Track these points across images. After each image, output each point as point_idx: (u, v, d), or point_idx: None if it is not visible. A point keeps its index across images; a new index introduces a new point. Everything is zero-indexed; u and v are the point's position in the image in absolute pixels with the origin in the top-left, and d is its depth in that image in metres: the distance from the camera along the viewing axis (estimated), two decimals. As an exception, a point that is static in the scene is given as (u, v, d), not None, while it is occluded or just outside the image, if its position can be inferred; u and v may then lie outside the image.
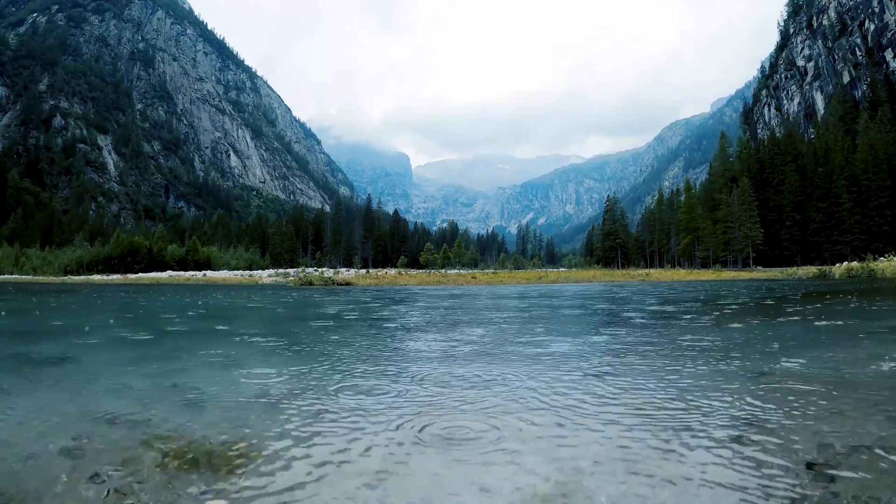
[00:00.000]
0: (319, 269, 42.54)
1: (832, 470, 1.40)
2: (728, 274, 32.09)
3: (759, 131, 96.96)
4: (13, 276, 47.24)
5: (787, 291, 12.55)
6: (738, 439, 1.66)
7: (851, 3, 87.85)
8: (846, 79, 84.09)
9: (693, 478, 1.35)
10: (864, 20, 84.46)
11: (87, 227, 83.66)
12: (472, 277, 27.78)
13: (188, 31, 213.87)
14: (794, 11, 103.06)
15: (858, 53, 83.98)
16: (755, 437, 1.67)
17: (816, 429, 1.76)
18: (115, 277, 38.77)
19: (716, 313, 6.91)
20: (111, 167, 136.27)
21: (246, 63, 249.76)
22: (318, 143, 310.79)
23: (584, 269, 52.48)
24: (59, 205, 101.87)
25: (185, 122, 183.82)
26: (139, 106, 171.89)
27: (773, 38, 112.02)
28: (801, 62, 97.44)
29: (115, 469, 1.46)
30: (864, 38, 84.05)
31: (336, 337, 4.78)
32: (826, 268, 26.97)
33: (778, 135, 65.42)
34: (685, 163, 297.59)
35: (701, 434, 1.72)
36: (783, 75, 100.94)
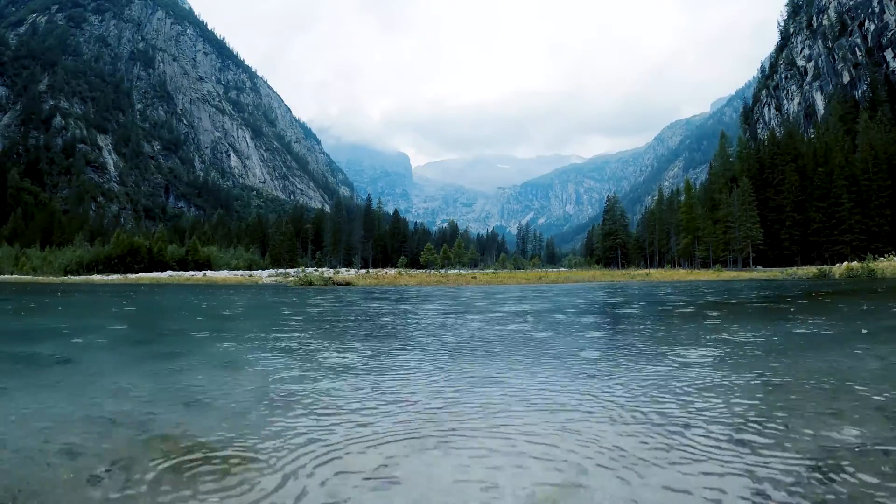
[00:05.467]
0: (319, 270, 42.53)
1: (832, 470, 1.40)
2: (728, 274, 32.08)
3: (759, 131, 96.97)
4: (13, 276, 47.26)
5: (787, 291, 12.55)
6: (737, 439, 1.65)
7: (851, 3, 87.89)
8: (846, 79, 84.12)
9: (693, 478, 1.35)
10: (864, 20, 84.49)
11: (87, 227, 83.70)
12: (472, 277, 27.78)
13: (188, 31, 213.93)
14: (794, 11, 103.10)
15: (858, 53, 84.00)
16: (755, 438, 1.67)
17: (816, 429, 1.76)
18: (115, 277, 38.77)
19: (715, 313, 6.90)
20: (111, 167, 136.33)
21: (246, 63, 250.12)
22: (318, 143, 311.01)
23: (584, 270, 52.50)
24: (59, 205, 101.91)
25: (185, 122, 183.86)
26: (139, 106, 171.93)
27: (773, 38, 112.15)
28: (801, 62, 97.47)
29: (115, 469, 1.45)
30: (864, 38, 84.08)
31: (337, 337, 4.78)
32: (826, 268, 26.96)
33: (778, 135, 65.42)
34: (685, 163, 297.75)
35: (701, 434, 1.72)
36: (783, 75, 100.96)
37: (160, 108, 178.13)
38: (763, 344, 3.90)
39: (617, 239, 75.36)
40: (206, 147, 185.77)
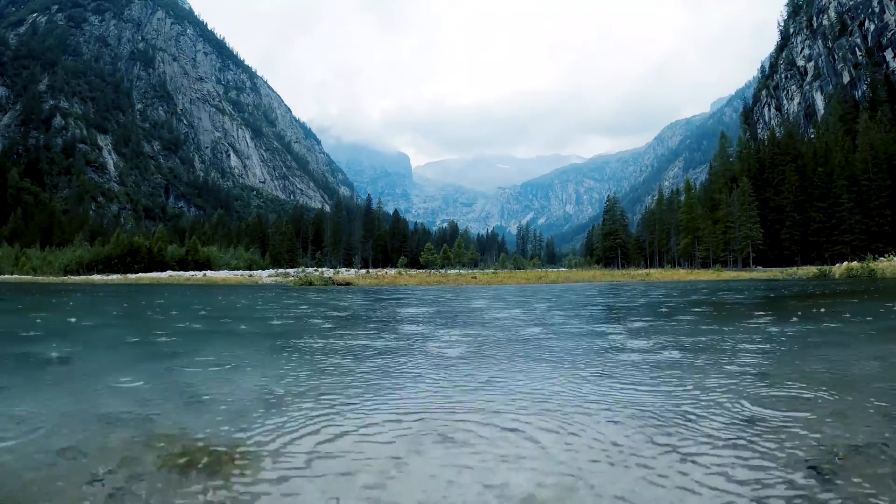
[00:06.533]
0: (319, 269, 42.52)
1: (832, 470, 1.40)
2: (728, 274, 32.08)
3: (759, 131, 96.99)
4: (13, 276, 47.26)
5: (787, 291, 12.55)
6: (737, 439, 1.66)
7: (851, 3, 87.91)
8: (846, 79, 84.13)
9: (693, 478, 1.36)
10: (864, 20, 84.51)
11: (87, 227, 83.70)
12: (472, 277, 27.78)
13: (188, 31, 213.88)
14: (794, 11, 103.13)
15: (858, 53, 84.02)
16: (755, 437, 1.67)
17: (816, 429, 1.76)
18: (115, 277, 38.77)
19: (716, 313, 6.91)
20: (111, 167, 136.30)
21: (246, 63, 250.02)
22: (318, 143, 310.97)
23: (583, 270, 52.48)
24: (59, 205, 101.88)
25: (185, 122, 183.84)
26: (139, 106, 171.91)
27: (773, 38, 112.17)
28: (801, 62, 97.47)
29: (115, 469, 1.45)
30: (864, 38, 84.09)
31: (337, 336, 4.78)
32: (826, 268, 26.96)
33: (778, 135, 65.42)
34: (685, 163, 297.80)
35: (701, 434, 1.72)
36: (783, 75, 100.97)
37: (160, 108, 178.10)
38: (762, 343, 3.90)
39: (617, 239, 75.33)
40: (206, 147, 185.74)
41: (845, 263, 25.55)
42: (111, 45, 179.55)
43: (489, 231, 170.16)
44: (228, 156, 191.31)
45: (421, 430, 1.81)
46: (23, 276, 46.12)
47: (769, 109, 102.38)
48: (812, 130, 76.67)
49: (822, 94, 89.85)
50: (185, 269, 50.36)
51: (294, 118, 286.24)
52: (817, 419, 1.89)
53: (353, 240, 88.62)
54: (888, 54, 78.55)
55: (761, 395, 2.28)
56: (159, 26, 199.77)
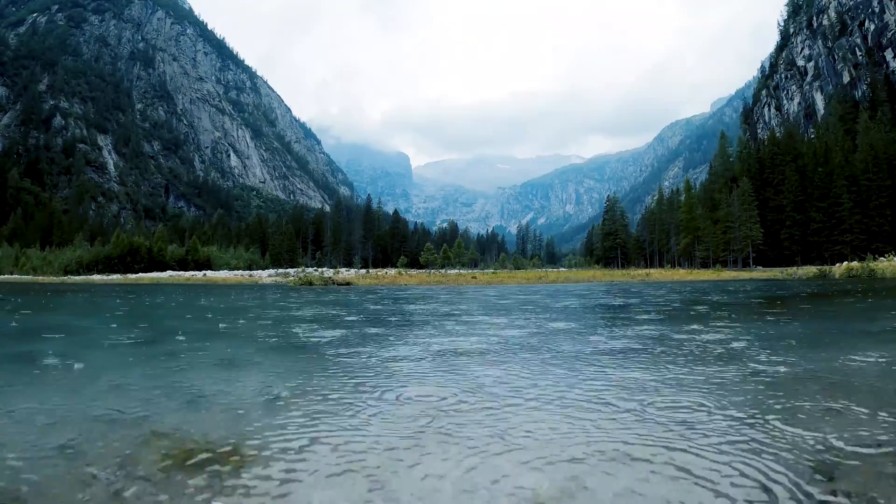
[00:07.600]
0: (319, 269, 42.50)
1: (832, 470, 1.40)
2: (728, 274, 32.08)
3: (759, 131, 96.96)
4: (13, 276, 47.25)
5: (787, 291, 12.55)
6: (736, 439, 1.66)
7: (851, 3, 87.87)
8: (846, 79, 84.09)
9: (693, 478, 1.36)
10: (864, 20, 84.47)
11: (87, 227, 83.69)
12: (472, 277, 27.79)
13: (188, 31, 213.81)
14: (794, 11, 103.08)
15: (858, 53, 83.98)
16: (755, 437, 1.67)
17: (816, 429, 1.76)
18: (115, 277, 38.76)
19: (717, 312, 6.90)
20: (111, 167, 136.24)
21: (246, 63, 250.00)
22: (318, 142, 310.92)
23: (583, 270, 52.47)
24: (59, 205, 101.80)
25: (185, 122, 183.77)
26: (139, 106, 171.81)
27: (773, 38, 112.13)
28: (801, 62, 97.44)
29: (115, 469, 1.45)
30: (864, 38, 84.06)
31: (337, 336, 4.78)
32: (826, 268, 26.97)
33: (778, 135, 65.42)
34: (685, 163, 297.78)
35: (701, 434, 1.72)
36: (783, 75, 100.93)
37: (160, 108, 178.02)
38: (762, 342, 3.90)
39: (617, 239, 75.33)
40: (206, 147, 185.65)
41: (845, 263, 25.55)
42: (111, 45, 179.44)
43: (489, 231, 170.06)
44: (228, 156, 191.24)
45: (422, 430, 1.81)
46: (23, 276, 46.09)
47: (769, 109, 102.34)
48: (812, 130, 76.70)
49: (822, 94, 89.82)
50: (185, 269, 50.34)
51: (294, 118, 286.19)
52: (817, 418, 1.89)
53: (353, 240, 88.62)
54: (888, 54, 78.52)
55: (761, 394, 2.28)
56: (159, 26, 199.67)
